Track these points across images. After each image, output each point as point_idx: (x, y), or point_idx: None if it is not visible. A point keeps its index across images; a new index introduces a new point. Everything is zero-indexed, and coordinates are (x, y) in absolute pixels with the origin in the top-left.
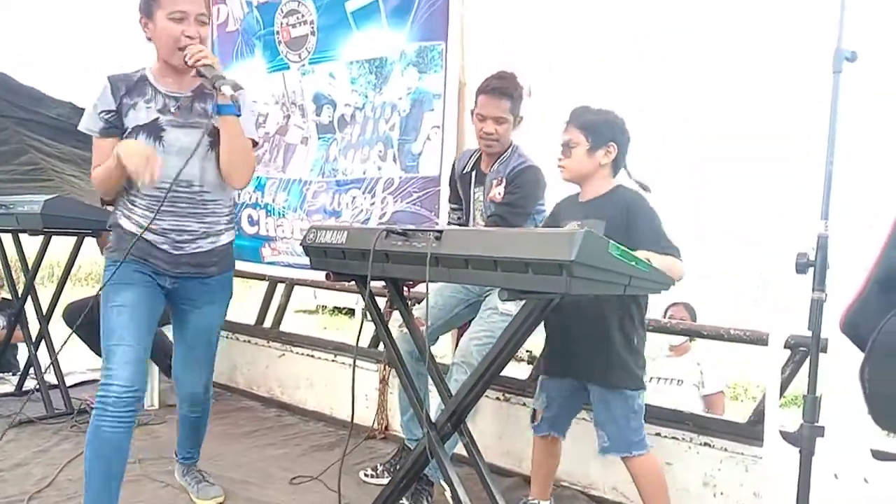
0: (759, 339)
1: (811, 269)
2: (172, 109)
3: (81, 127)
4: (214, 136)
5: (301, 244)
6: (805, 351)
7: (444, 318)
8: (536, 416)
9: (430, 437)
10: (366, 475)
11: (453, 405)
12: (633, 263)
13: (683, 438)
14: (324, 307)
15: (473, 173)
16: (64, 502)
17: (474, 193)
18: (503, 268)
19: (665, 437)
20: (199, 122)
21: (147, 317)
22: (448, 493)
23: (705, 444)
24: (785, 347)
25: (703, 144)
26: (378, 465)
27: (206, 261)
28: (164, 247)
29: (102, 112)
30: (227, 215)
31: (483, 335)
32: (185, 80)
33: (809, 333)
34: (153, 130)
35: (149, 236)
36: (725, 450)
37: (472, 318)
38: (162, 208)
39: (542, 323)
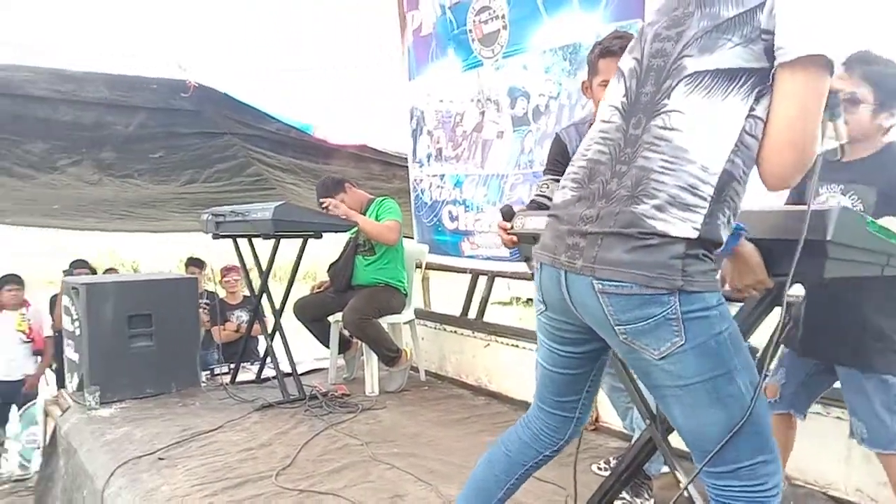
0: None
1: None
2: None
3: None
4: None
5: (509, 232)
6: None
7: None
8: (770, 392)
9: (654, 429)
10: (598, 468)
11: None
12: (894, 241)
13: None
14: (518, 298)
15: None
16: (304, 479)
17: None
18: None
19: None
20: None
21: None
22: (681, 483)
23: None
24: None
25: None
26: (610, 459)
27: None
28: None
29: None
30: None
31: None
32: None
33: None
34: None
35: None
36: None
37: None
38: None
39: None
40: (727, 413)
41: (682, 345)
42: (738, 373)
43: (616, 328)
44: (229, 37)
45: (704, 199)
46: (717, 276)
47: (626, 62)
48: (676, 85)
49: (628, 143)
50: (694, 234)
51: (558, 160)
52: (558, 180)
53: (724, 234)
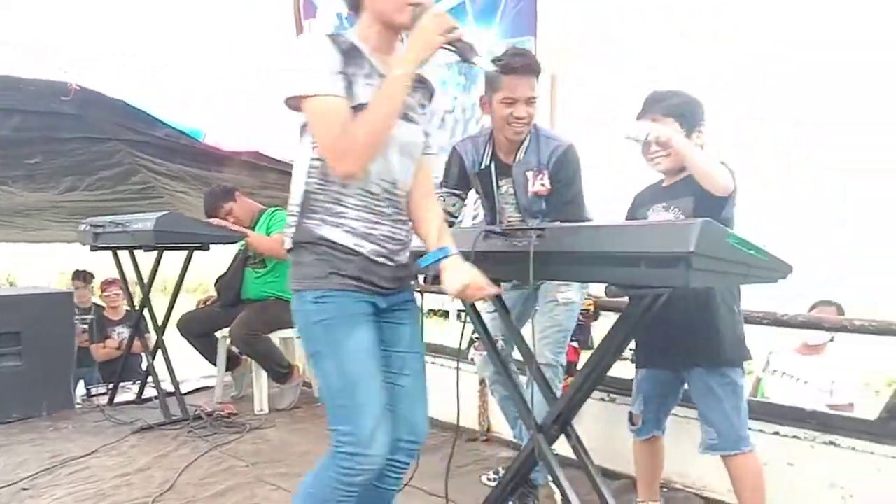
0: (889, 331)
1: None
2: None
3: (310, 90)
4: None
5: None
6: None
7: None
8: (635, 420)
9: (538, 439)
10: (488, 479)
11: (559, 408)
12: (752, 252)
13: (805, 437)
14: (432, 311)
15: (493, 165)
16: None
17: (500, 187)
18: (615, 263)
19: (785, 435)
20: (414, 116)
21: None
22: (558, 496)
23: (830, 443)
24: None
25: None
26: (500, 469)
27: (407, 274)
28: (381, 260)
29: (339, 73)
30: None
31: (551, 331)
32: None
33: None
34: None
35: (365, 248)
36: (854, 449)
37: (535, 311)
38: (377, 211)
39: None
40: (324, 385)
41: (297, 329)
42: (325, 355)
43: None
44: (114, 37)
45: (293, 216)
46: (316, 276)
47: None
48: None
49: None
50: (289, 244)
51: (455, 173)
52: (455, 193)
53: (326, 231)
